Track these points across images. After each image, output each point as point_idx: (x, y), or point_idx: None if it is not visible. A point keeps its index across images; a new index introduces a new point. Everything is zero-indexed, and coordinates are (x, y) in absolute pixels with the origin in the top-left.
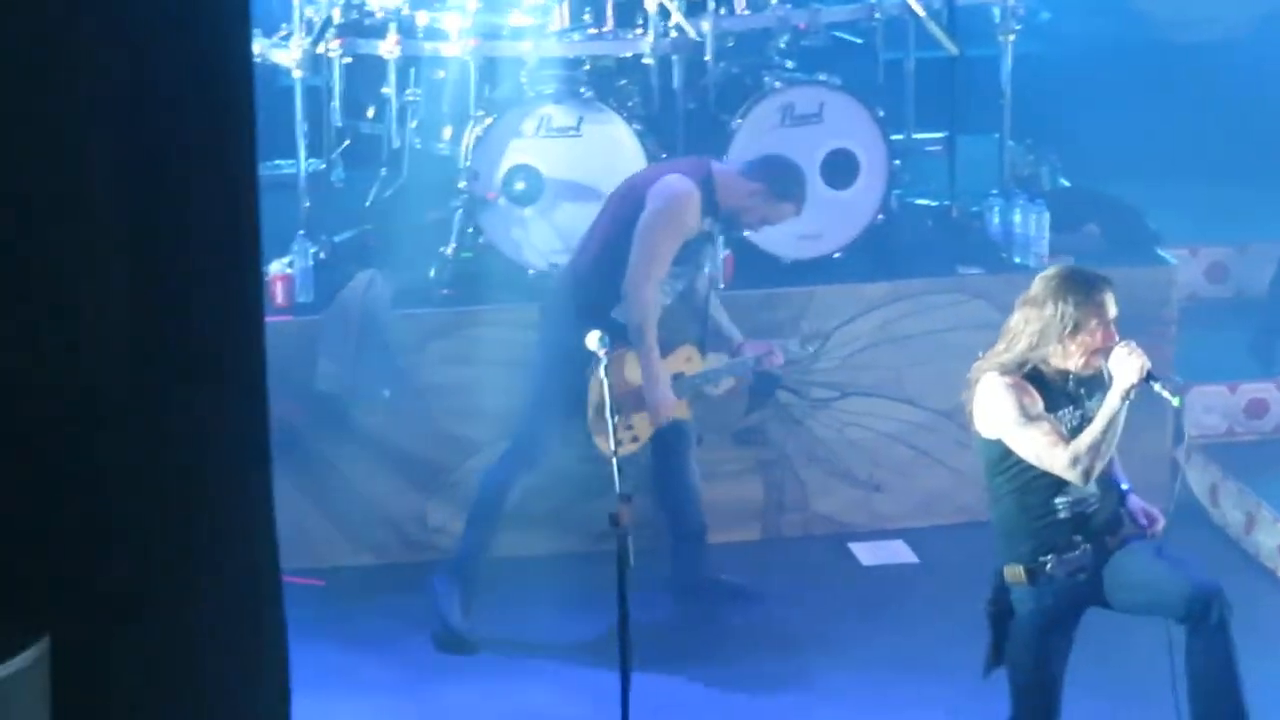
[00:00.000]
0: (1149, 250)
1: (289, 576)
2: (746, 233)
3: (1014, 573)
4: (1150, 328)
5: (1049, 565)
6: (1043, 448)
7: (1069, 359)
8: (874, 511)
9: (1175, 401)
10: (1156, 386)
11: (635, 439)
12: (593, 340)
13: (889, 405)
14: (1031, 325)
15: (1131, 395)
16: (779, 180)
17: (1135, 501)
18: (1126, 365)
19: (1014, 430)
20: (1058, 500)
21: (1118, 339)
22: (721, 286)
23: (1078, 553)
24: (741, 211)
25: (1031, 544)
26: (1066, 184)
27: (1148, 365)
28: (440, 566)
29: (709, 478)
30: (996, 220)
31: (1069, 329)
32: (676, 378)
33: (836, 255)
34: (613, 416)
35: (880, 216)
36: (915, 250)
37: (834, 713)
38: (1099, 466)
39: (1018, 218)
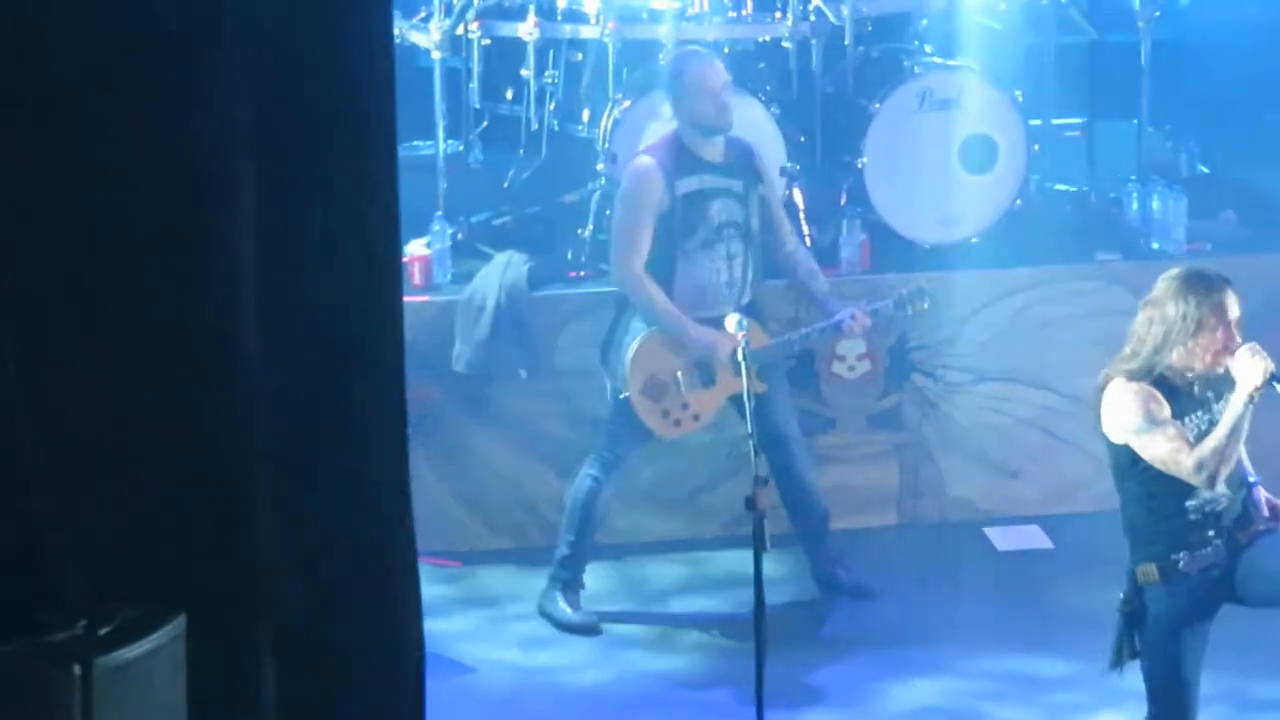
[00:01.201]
0: None
1: (425, 557)
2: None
3: (1146, 572)
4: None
5: (1181, 563)
6: (1168, 453)
7: (1193, 361)
8: (1010, 497)
9: None
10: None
11: (696, 417)
12: (731, 323)
13: (1026, 391)
14: (1155, 327)
15: (1256, 398)
16: (672, 80)
17: (1260, 494)
18: (1250, 368)
19: (1140, 436)
20: (1188, 503)
21: (1240, 340)
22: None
23: (1209, 549)
24: (706, 127)
25: (1163, 543)
26: (1205, 170)
27: (1271, 367)
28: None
29: (844, 461)
30: (1135, 206)
31: (1191, 329)
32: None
33: (974, 240)
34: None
35: (1018, 202)
36: (1053, 236)
37: (969, 696)
38: (1225, 471)
39: (1156, 204)
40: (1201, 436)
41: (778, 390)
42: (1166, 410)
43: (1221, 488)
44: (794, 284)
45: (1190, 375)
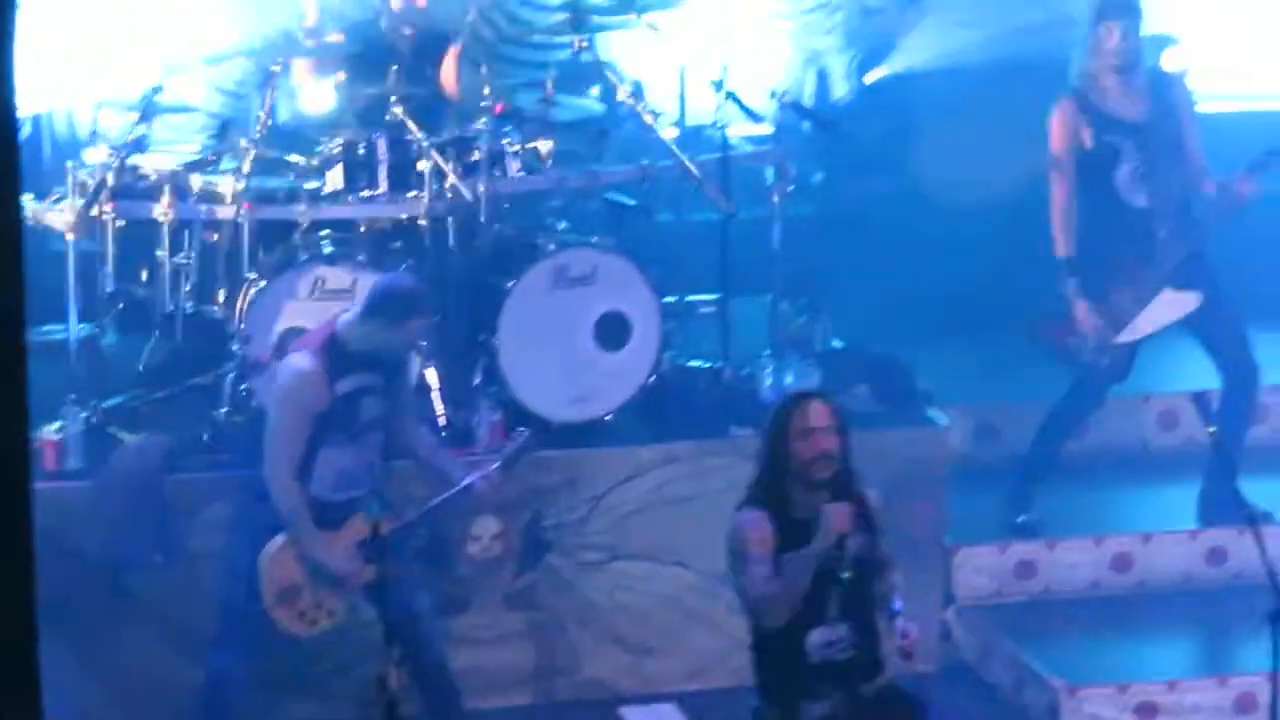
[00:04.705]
0: (919, 410)
1: None
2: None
3: (767, 715)
4: (921, 488)
5: (800, 715)
6: (751, 584)
7: (797, 482)
8: (646, 675)
9: (847, 575)
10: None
11: (331, 613)
12: (358, 518)
13: (661, 568)
14: (762, 449)
15: (822, 556)
16: (388, 308)
17: (900, 623)
18: (831, 521)
19: (738, 563)
20: (808, 641)
21: (823, 453)
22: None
23: (829, 701)
24: (379, 350)
25: (782, 686)
26: (838, 344)
27: (838, 534)
28: None
29: (478, 642)
30: (769, 381)
31: (785, 441)
32: (360, 544)
33: (608, 418)
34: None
35: (652, 378)
36: (688, 412)
37: None
38: (783, 614)
39: (789, 379)
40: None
41: (408, 571)
42: (767, 538)
43: (843, 630)
44: (418, 462)
45: (807, 501)
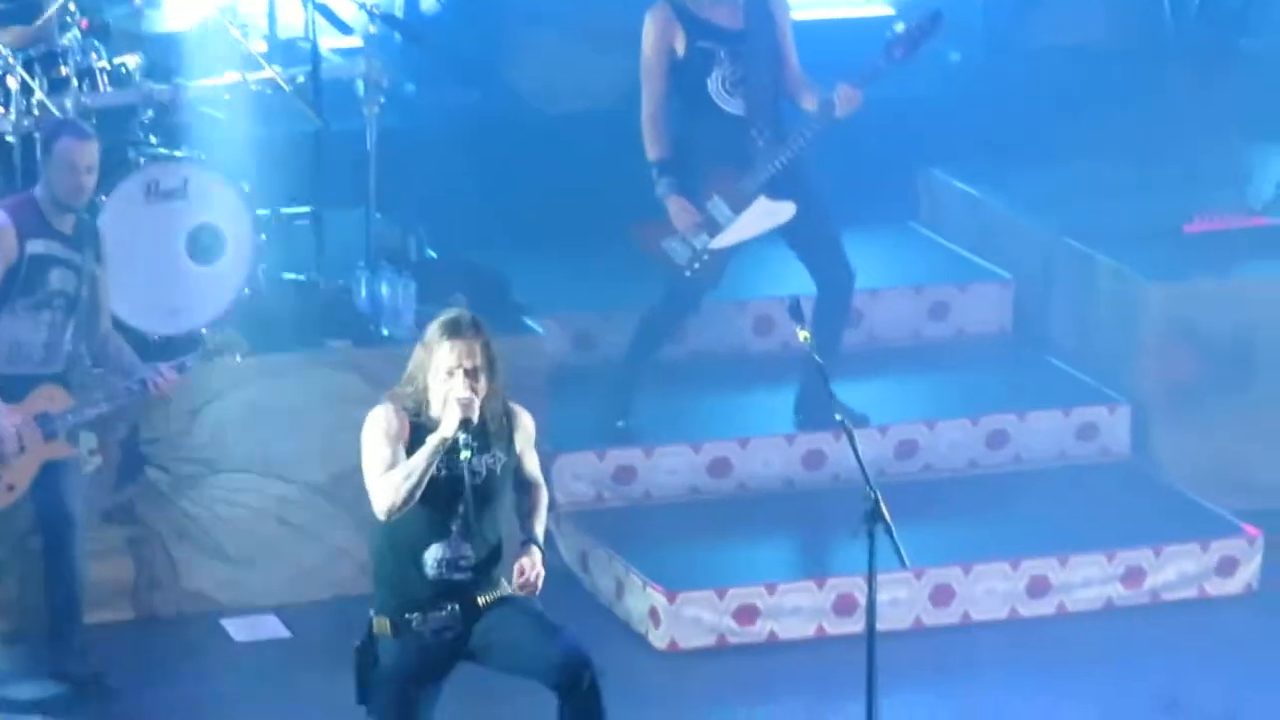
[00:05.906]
0: (516, 319)
1: None
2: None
3: (380, 624)
4: (519, 397)
5: (414, 622)
6: (370, 471)
7: (440, 403)
8: (246, 588)
9: (466, 455)
10: (462, 438)
11: (10, 488)
12: None
13: (259, 480)
14: (414, 366)
15: (446, 445)
16: (51, 130)
17: (524, 553)
18: (449, 413)
19: (364, 452)
20: (427, 555)
21: (466, 387)
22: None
23: (445, 613)
24: (61, 195)
25: (398, 598)
26: (434, 255)
27: (462, 419)
28: None
29: None
30: (364, 293)
31: (433, 370)
32: (41, 417)
33: (204, 331)
34: None
35: (247, 291)
36: (283, 324)
37: None
38: (402, 506)
39: (385, 290)
40: (445, 481)
41: (76, 464)
42: (403, 436)
43: (468, 549)
44: (103, 356)
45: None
